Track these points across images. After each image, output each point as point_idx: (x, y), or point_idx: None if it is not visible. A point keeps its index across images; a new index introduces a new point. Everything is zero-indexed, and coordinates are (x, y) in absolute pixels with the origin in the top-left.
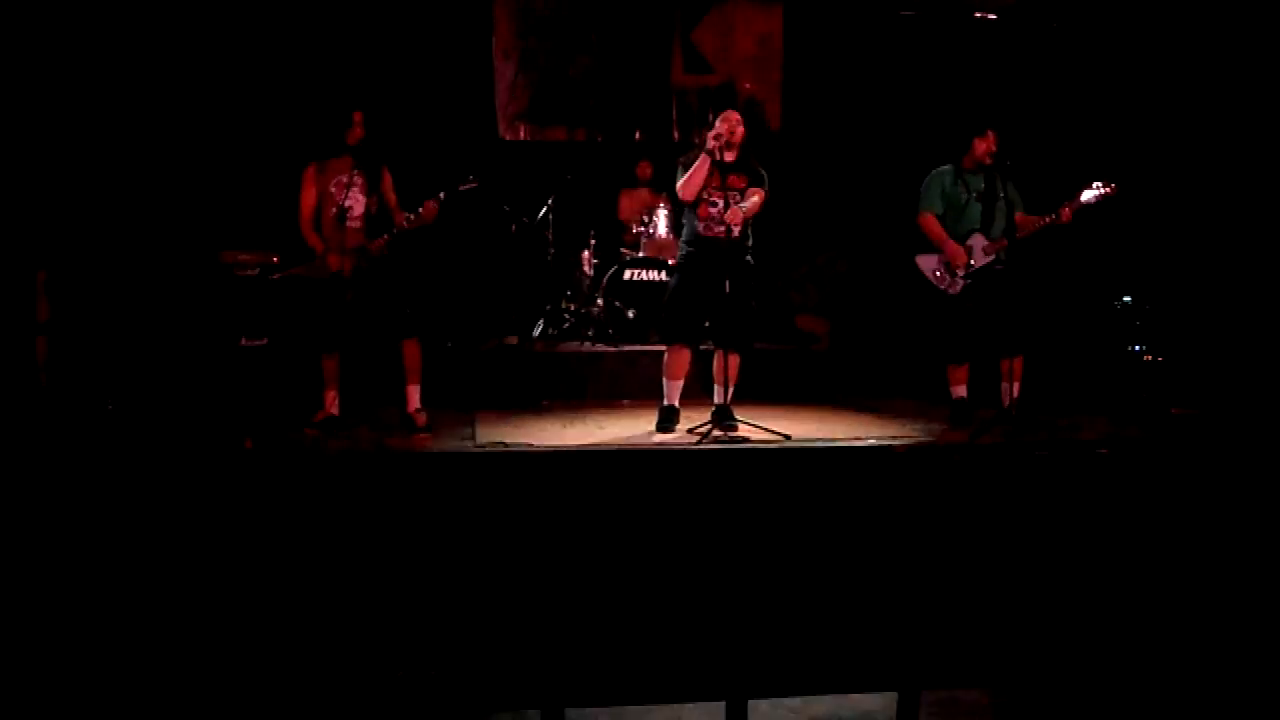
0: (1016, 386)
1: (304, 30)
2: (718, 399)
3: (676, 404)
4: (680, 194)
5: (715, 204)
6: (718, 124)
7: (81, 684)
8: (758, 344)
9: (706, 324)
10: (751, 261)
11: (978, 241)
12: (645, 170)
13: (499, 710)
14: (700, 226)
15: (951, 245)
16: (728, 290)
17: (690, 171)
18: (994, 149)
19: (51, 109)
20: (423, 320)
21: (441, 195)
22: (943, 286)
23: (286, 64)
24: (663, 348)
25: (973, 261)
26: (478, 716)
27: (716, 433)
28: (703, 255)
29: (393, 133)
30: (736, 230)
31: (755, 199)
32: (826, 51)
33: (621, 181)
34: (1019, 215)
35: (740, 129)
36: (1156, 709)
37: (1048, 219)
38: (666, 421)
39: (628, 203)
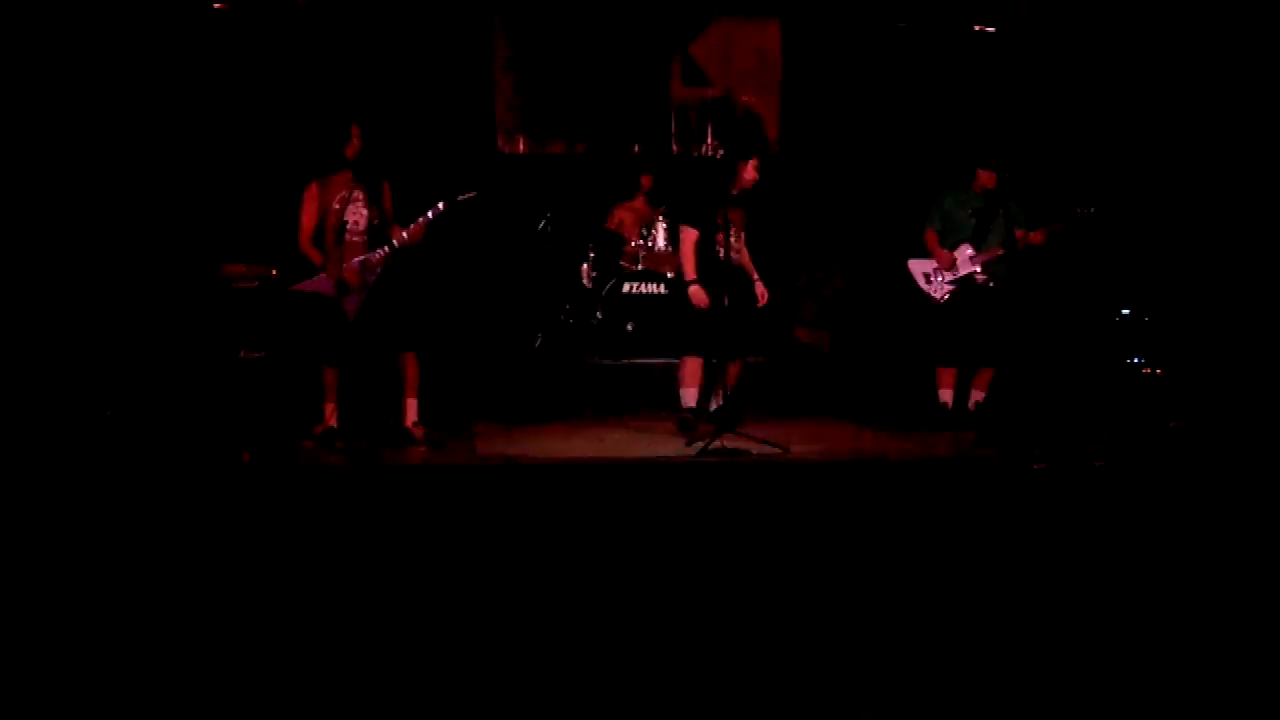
0: (981, 394)
1: (303, 44)
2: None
3: (695, 406)
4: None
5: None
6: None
7: (78, 693)
8: (756, 357)
9: (714, 334)
10: (750, 278)
11: (963, 251)
12: (647, 181)
13: None
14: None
15: (941, 253)
16: (726, 303)
17: (687, 250)
18: (993, 186)
19: (52, 121)
20: (422, 333)
21: (429, 215)
22: (929, 290)
23: (286, 77)
24: (659, 360)
25: (958, 268)
26: None
27: (716, 445)
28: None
29: (392, 146)
30: (735, 256)
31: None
32: (825, 65)
33: (620, 194)
34: (1031, 233)
35: (748, 175)
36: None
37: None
38: (686, 426)
39: (623, 216)
